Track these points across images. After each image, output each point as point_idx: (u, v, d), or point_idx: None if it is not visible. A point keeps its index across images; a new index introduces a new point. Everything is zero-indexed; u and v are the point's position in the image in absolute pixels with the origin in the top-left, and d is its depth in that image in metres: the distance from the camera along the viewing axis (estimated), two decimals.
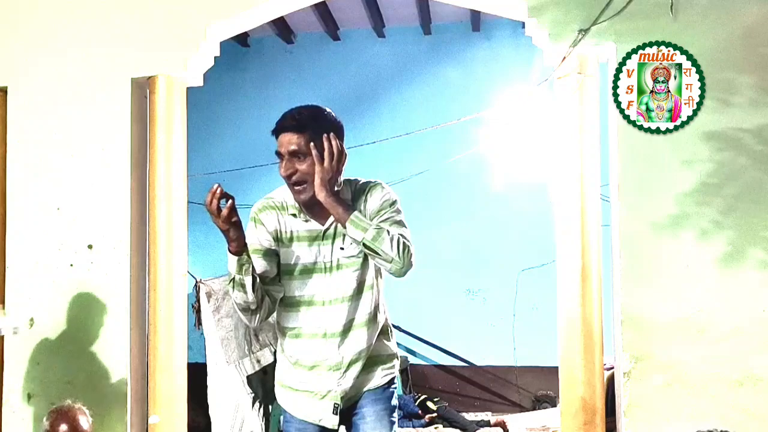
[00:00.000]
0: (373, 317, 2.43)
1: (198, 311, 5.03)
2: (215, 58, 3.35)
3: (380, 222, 2.31)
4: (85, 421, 2.62)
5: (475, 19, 6.46)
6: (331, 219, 2.35)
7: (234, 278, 2.24)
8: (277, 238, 2.39)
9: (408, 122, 5.84)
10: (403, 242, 2.27)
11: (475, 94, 6.40)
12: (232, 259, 2.23)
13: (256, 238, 2.37)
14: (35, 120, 3.35)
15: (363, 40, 6.90)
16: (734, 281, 2.87)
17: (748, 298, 2.87)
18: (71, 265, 3.27)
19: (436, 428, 5.64)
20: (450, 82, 6.74)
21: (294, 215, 2.38)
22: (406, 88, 6.86)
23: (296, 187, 2.33)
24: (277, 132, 2.33)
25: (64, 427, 2.56)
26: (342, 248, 2.37)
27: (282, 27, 6.63)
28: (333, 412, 2.39)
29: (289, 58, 7.02)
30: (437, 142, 6.05)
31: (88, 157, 3.29)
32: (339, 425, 2.43)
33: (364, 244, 2.26)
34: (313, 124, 2.31)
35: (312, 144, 2.28)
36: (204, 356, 4.99)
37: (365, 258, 2.36)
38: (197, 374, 4.30)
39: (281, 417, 2.69)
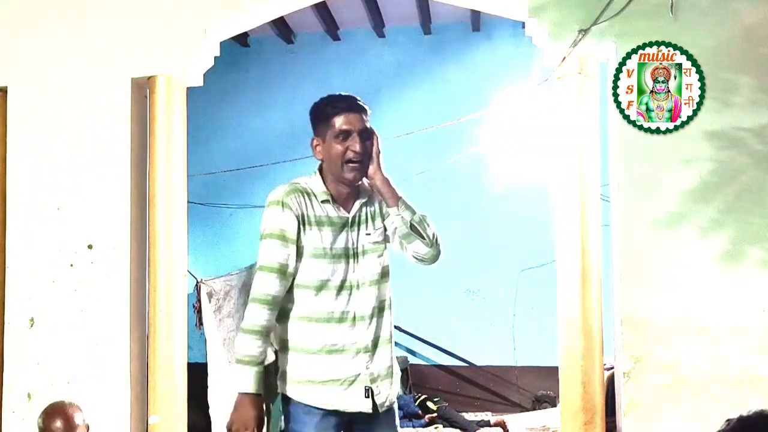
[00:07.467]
0: (390, 305, 2.54)
1: (199, 311, 5.03)
2: (215, 58, 3.35)
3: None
4: (80, 417, 2.58)
5: (475, 19, 6.47)
6: (357, 206, 2.49)
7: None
8: (304, 222, 2.42)
9: (408, 122, 5.83)
10: (435, 230, 2.50)
11: (475, 94, 6.40)
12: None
13: (280, 224, 2.39)
14: (35, 120, 3.34)
15: (363, 40, 6.90)
16: (734, 281, 2.87)
17: (748, 298, 2.86)
18: (71, 265, 3.27)
19: (436, 428, 5.64)
20: (450, 82, 6.74)
21: (327, 201, 2.46)
22: (406, 88, 6.86)
23: (353, 165, 2.43)
24: (331, 113, 2.45)
25: (58, 423, 2.52)
26: (368, 234, 2.50)
27: (282, 27, 6.63)
28: (365, 396, 2.40)
29: (289, 58, 7.02)
30: (437, 142, 6.04)
31: (88, 157, 3.28)
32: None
33: (411, 225, 2.44)
34: (364, 109, 2.51)
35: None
36: (204, 356, 4.98)
37: (385, 245, 2.53)
38: (197, 374, 4.30)
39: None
